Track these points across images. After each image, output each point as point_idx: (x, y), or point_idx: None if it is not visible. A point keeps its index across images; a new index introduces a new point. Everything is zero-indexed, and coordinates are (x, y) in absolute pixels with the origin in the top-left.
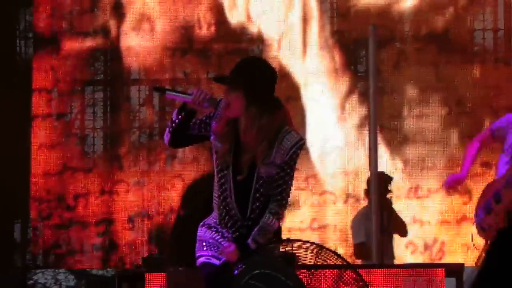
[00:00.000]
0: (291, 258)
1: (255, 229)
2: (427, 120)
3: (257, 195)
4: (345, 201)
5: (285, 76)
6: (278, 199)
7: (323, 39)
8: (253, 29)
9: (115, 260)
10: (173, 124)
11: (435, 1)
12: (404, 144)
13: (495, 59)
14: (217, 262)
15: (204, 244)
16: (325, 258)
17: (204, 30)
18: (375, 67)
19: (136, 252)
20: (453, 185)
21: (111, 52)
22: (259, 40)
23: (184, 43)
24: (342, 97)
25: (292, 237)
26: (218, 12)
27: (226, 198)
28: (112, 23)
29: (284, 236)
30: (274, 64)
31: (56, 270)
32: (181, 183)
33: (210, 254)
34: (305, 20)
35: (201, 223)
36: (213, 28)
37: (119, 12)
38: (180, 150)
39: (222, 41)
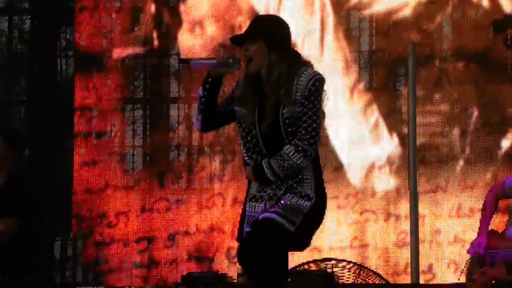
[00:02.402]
0: (330, 277)
1: (276, 156)
2: (469, 138)
3: (290, 137)
4: (386, 220)
5: None
6: (302, 132)
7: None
8: None
9: (155, 278)
10: (202, 99)
11: (476, 19)
12: (446, 162)
13: None
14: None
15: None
16: (365, 278)
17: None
18: (414, 85)
19: (176, 270)
20: (477, 251)
21: (151, 70)
22: None
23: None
24: (383, 115)
25: (332, 256)
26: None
27: (261, 158)
28: (153, 41)
29: (324, 255)
30: None
31: None
32: (221, 201)
33: None
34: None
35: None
36: None
37: (160, 29)
38: (219, 168)
39: None
